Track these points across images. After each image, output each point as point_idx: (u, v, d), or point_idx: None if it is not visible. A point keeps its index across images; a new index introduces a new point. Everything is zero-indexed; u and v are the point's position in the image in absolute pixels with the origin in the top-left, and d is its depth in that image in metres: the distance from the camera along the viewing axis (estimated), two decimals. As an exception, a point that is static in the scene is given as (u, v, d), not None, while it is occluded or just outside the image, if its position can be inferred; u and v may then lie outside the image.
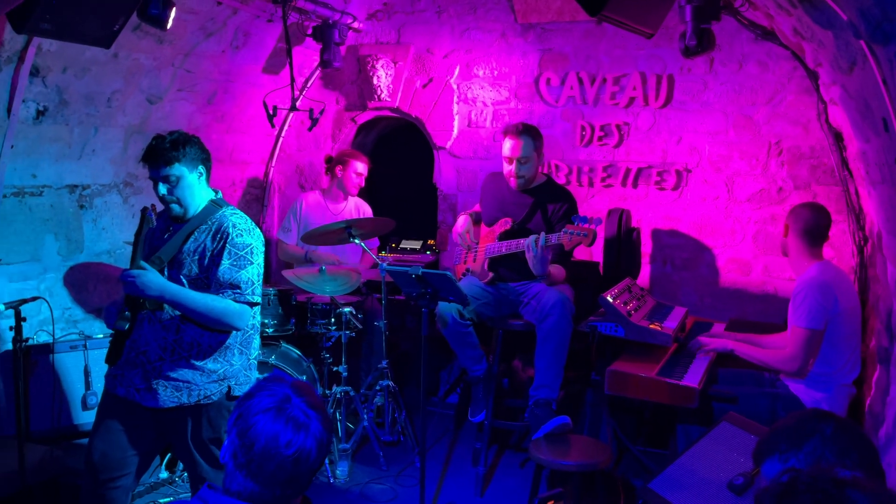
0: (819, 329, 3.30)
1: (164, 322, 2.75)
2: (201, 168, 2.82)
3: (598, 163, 4.87)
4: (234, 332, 2.83)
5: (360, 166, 4.95)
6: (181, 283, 2.74)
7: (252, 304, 2.81)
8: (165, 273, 2.74)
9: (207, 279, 2.76)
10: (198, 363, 2.77)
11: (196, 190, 2.81)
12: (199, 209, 2.83)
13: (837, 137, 4.15)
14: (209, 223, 2.80)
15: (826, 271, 3.40)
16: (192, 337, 2.76)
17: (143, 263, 2.66)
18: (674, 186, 4.72)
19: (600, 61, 4.80)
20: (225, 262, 2.74)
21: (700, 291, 4.73)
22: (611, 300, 3.65)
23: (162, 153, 2.73)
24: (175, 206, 2.79)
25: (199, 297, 2.71)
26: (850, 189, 4.16)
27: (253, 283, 2.80)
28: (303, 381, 1.69)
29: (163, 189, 2.76)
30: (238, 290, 2.75)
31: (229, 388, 2.83)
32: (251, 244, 2.80)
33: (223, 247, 2.75)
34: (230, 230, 2.77)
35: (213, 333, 2.79)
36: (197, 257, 2.76)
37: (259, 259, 2.84)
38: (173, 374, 2.74)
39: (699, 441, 2.95)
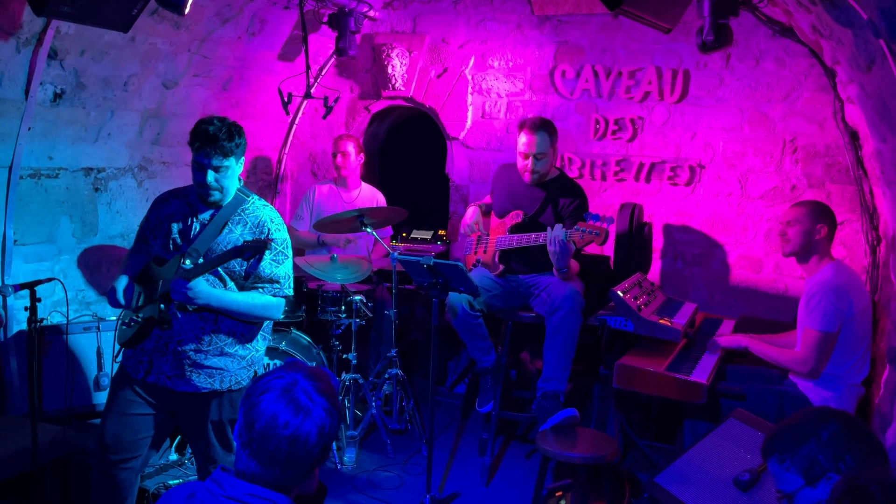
0: (833, 332, 3.28)
1: (203, 313, 2.79)
2: (243, 158, 2.85)
3: (612, 157, 4.86)
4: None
5: (342, 145, 4.94)
6: (219, 275, 2.78)
7: (288, 297, 2.90)
8: (201, 263, 2.77)
9: (247, 273, 2.82)
10: (230, 350, 2.85)
11: (236, 178, 2.85)
12: (231, 196, 2.86)
13: (853, 136, 4.12)
14: (243, 215, 2.84)
15: (840, 273, 3.37)
16: (229, 327, 2.83)
17: (201, 280, 2.69)
18: (687, 182, 4.71)
19: (616, 54, 4.79)
20: (267, 258, 2.81)
21: (711, 288, 4.72)
22: (621, 294, 3.65)
23: (221, 143, 2.68)
24: (216, 193, 2.79)
25: (241, 298, 2.78)
26: (864, 188, 4.14)
27: (289, 277, 2.89)
28: (320, 368, 1.70)
29: (211, 177, 2.73)
30: (277, 285, 2.85)
31: (255, 372, 2.92)
32: (286, 238, 2.90)
33: None
34: (270, 225, 2.84)
35: (248, 323, 2.88)
36: None
37: (291, 252, 2.92)
38: (208, 363, 2.80)
39: (706, 437, 2.96)
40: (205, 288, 2.69)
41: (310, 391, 1.60)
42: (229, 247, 2.78)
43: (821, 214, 3.47)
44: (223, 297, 2.75)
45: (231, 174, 2.78)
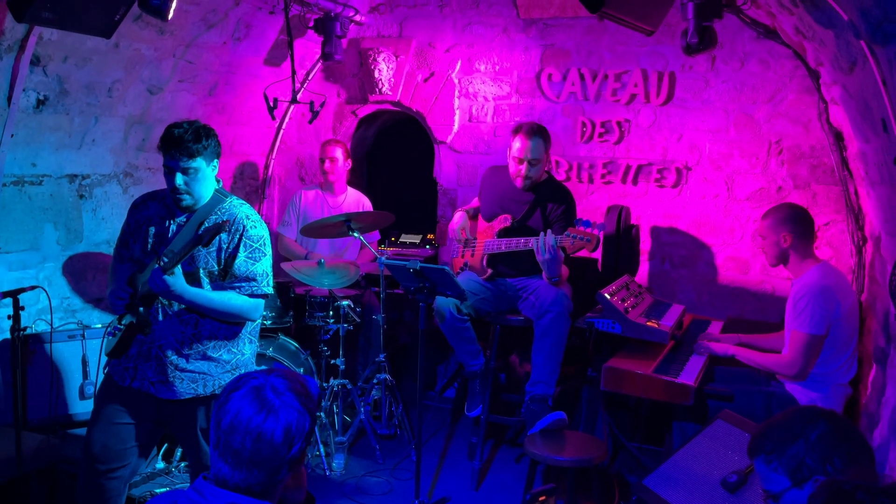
0: (821, 335, 3.28)
1: (183, 317, 2.77)
2: (216, 161, 2.81)
3: (599, 159, 4.87)
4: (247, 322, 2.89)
5: (330, 151, 4.93)
6: (197, 277, 2.75)
7: (266, 296, 2.86)
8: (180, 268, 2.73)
9: (224, 272, 2.79)
10: (214, 355, 2.82)
11: (209, 182, 2.81)
12: (206, 199, 2.84)
13: (838, 137, 4.14)
14: (219, 214, 2.81)
15: (827, 275, 3.37)
16: (209, 330, 2.80)
17: (176, 271, 2.64)
18: (674, 184, 4.72)
19: (602, 57, 4.80)
20: (241, 255, 2.77)
21: (698, 289, 4.73)
22: (608, 297, 3.65)
23: (186, 145, 2.66)
24: (187, 198, 2.76)
25: (217, 297, 2.74)
26: (849, 189, 4.16)
27: (267, 275, 2.85)
28: (291, 370, 1.69)
29: (180, 180, 2.71)
30: (254, 283, 2.80)
31: None
32: (263, 236, 2.85)
33: (240, 239, 2.77)
34: (245, 222, 2.79)
35: (230, 325, 2.84)
36: (214, 251, 2.77)
37: (270, 250, 2.88)
38: (190, 367, 2.77)
39: (694, 438, 2.96)
40: (180, 282, 2.65)
41: (279, 389, 1.58)
42: (210, 249, 2.75)
43: (782, 223, 3.46)
44: (197, 293, 2.71)
45: (201, 177, 2.74)
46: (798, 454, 1.83)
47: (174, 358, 2.75)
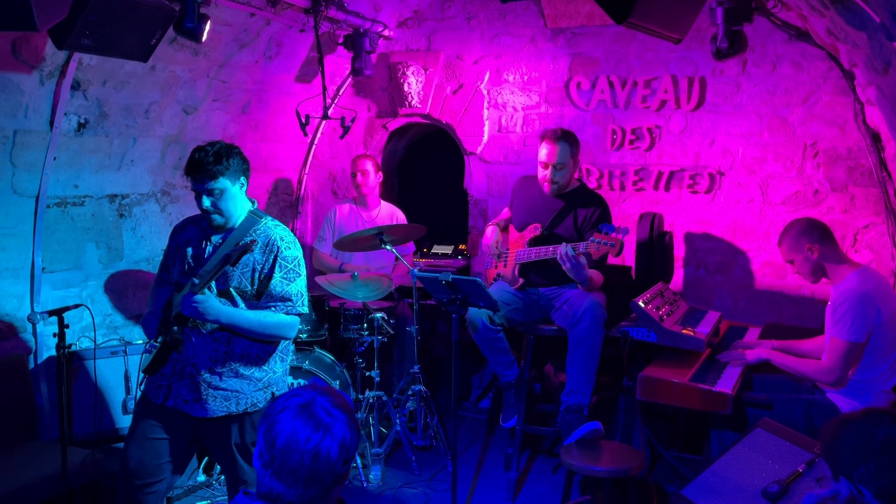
0: (861, 342, 3.21)
1: (216, 335, 2.81)
2: (243, 179, 2.86)
3: (630, 166, 4.85)
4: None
5: (361, 164, 4.97)
6: (230, 296, 2.78)
7: (301, 315, 2.89)
8: (213, 286, 2.78)
9: (259, 293, 2.83)
10: (246, 372, 2.85)
11: (238, 200, 2.86)
12: (240, 219, 2.89)
13: (875, 138, 4.07)
14: (254, 234, 2.85)
15: (866, 280, 3.28)
16: (242, 348, 2.84)
17: (208, 293, 2.71)
18: (707, 189, 4.67)
19: (631, 64, 4.78)
20: (277, 276, 2.81)
21: (735, 295, 4.67)
22: (642, 305, 3.62)
23: (207, 167, 2.73)
24: (217, 217, 2.83)
25: (253, 316, 2.78)
26: (888, 191, 4.08)
27: (302, 295, 2.88)
28: (333, 387, 1.71)
29: (207, 202, 2.78)
30: (290, 303, 2.84)
31: (272, 394, 2.90)
32: (297, 256, 2.89)
33: (274, 260, 2.81)
34: (279, 243, 2.83)
35: (262, 344, 2.88)
36: (249, 272, 2.81)
37: (304, 270, 2.92)
38: (223, 385, 2.81)
39: (733, 447, 2.92)
40: (215, 303, 2.70)
41: (328, 407, 1.61)
42: (239, 266, 2.80)
43: (799, 238, 3.38)
44: (233, 313, 2.75)
45: (228, 196, 2.80)
46: (833, 452, 1.83)
47: (207, 376, 2.80)
